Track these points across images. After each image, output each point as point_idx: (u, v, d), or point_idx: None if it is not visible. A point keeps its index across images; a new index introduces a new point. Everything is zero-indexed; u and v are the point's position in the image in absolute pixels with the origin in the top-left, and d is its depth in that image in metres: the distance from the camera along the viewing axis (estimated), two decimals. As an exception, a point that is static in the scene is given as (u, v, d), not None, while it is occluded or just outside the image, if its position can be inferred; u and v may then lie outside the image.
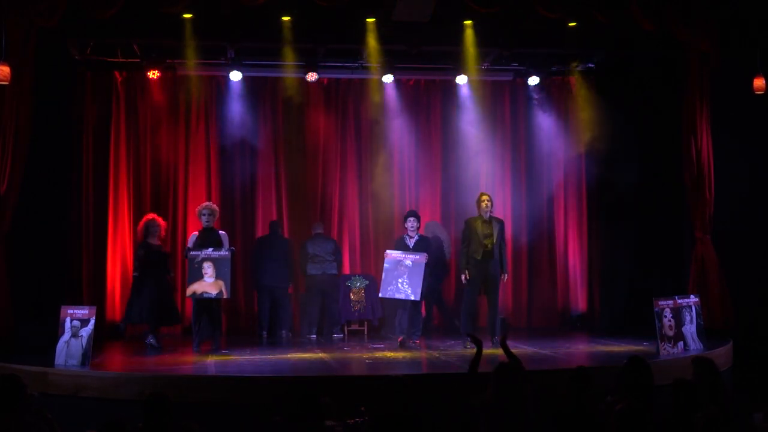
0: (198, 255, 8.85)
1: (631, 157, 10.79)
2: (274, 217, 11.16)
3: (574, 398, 4.96)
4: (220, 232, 9.33)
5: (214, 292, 8.78)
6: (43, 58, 8.87)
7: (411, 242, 9.60)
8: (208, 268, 8.79)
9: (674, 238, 10.39)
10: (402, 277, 9.42)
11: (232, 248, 9.23)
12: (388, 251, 9.66)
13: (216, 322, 9.07)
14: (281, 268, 10.39)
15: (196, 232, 9.27)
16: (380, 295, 9.66)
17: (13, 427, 4.68)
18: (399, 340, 9.52)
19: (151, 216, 9.78)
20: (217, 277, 8.77)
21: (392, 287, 9.45)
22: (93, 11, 8.64)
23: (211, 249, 8.88)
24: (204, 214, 9.22)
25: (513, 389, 4.68)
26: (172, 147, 11.05)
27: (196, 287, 8.79)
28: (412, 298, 9.41)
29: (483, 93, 11.57)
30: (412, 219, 9.67)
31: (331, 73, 11.30)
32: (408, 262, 9.43)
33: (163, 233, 9.76)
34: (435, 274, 10.29)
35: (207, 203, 9.59)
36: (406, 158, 11.66)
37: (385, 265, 9.55)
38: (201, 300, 8.89)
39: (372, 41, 10.13)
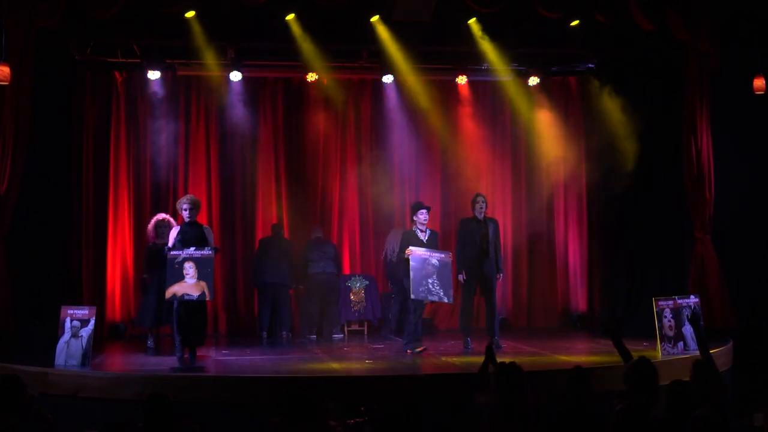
0: (179, 255, 8.12)
1: (630, 156, 10.78)
2: (275, 217, 11.18)
3: (574, 398, 4.96)
4: (204, 227, 8.62)
5: (196, 294, 8.06)
6: (43, 58, 8.87)
7: (424, 237, 8.97)
8: (189, 269, 8.08)
9: (674, 238, 10.38)
10: (431, 277, 8.78)
11: (216, 247, 8.61)
12: (411, 248, 8.81)
13: (198, 330, 8.35)
14: (283, 267, 10.39)
15: (178, 227, 8.58)
16: (412, 296, 8.83)
17: (13, 427, 4.68)
18: (420, 350, 8.81)
19: (161, 216, 9.70)
20: (199, 278, 8.07)
21: (423, 288, 8.77)
22: (93, 11, 8.65)
23: (193, 248, 8.15)
24: (185, 209, 8.44)
25: (514, 390, 4.68)
26: (172, 147, 11.04)
27: (177, 289, 8.05)
28: (446, 300, 8.99)
29: (483, 93, 11.58)
30: (425, 211, 9.00)
31: (330, 73, 11.30)
32: (434, 261, 8.81)
33: (173, 233, 9.45)
34: None
35: (188, 195, 8.86)
36: (406, 158, 11.66)
37: (411, 263, 8.76)
38: (181, 304, 8.18)
39: (372, 41, 10.13)
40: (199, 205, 8.61)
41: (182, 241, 8.27)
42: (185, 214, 8.45)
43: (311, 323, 10.56)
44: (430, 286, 8.79)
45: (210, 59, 10.44)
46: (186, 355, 8.16)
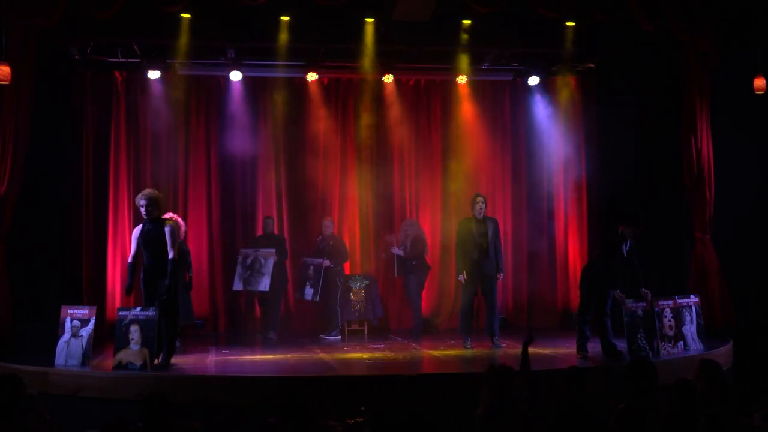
0: (126, 316, 7.74)
1: (630, 156, 10.78)
2: (275, 216, 11.16)
3: (572, 398, 4.96)
4: (168, 225, 7.66)
5: (138, 363, 7.59)
6: (43, 58, 8.87)
7: (626, 250, 8.32)
8: (134, 333, 7.62)
9: (674, 238, 10.38)
10: (640, 330, 8.23)
11: (163, 297, 7.63)
12: (627, 302, 8.21)
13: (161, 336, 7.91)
14: (281, 269, 10.36)
15: (140, 226, 7.81)
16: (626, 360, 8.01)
17: (13, 427, 4.68)
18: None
19: (169, 215, 9.61)
20: (143, 344, 7.61)
21: (635, 346, 8.12)
22: (93, 11, 8.66)
23: (138, 309, 7.78)
24: (141, 206, 7.67)
25: (505, 392, 4.67)
26: (172, 147, 11.03)
27: (122, 357, 7.62)
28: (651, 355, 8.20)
29: (483, 93, 11.58)
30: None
31: (331, 73, 11.31)
32: (640, 312, 8.23)
33: (181, 233, 9.08)
34: (424, 272, 10.71)
35: (145, 190, 7.88)
36: (406, 158, 11.67)
37: (624, 318, 8.15)
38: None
39: (372, 41, 10.13)
40: (158, 201, 7.71)
41: (144, 244, 7.71)
42: (142, 211, 7.71)
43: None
44: (640, 342, 8.15)
45: (210, 59, 10.46)
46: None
